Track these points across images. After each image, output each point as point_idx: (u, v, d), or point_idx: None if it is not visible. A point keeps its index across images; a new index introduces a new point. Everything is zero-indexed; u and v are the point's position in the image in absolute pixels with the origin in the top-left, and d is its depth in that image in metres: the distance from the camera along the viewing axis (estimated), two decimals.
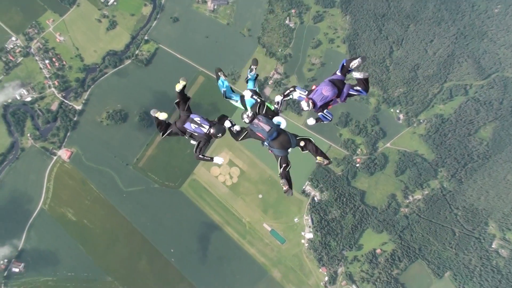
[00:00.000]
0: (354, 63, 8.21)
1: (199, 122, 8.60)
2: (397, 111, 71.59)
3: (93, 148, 70.88)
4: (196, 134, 8.66)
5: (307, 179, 69.26)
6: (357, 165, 69.38)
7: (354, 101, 71.63)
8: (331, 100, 8.33)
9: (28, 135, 70.54)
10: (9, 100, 71.28)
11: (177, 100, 9.18)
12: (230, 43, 73.09)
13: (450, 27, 72.72)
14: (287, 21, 75.08)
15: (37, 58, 72.90)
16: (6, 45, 72.47)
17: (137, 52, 72.94)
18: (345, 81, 8.43)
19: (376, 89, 71.83)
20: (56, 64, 72.54)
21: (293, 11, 75.29)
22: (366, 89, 8.25)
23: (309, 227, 68.22)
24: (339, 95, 8.36)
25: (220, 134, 8.50)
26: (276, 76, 72.76)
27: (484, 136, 69.28)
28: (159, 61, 73.16)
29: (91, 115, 71.91)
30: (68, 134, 70.87)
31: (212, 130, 8.48)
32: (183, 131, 8.90)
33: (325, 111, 8.53)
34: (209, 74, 72.13)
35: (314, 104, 8.27)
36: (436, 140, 69.30)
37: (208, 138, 8.75)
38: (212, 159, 9.13)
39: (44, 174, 69.72)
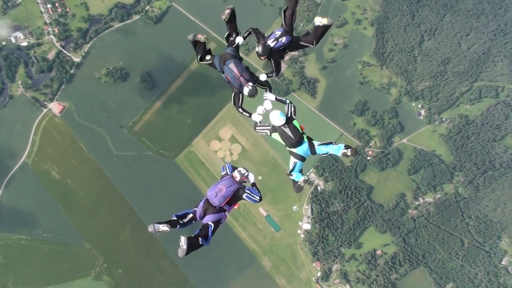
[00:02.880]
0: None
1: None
2: (419, 106, 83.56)
3: (87, 105, 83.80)
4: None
5: (313, 166, 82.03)
6: (368, 158, 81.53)
7: (374, 90, 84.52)
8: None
9: (19, 82, 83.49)
10: (3, 43, 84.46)
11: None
12: (248, 11, 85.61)
13: (490, 22, 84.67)
14: None
15: (39, 0, 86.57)
16: None
17: (147, 8, 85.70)
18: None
19: (399, 80, 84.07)
20: (59, 10, 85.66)
21: None
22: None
23: (308, 217, 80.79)
24: None
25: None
26: (294, 52, 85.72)
27: (510, 144, 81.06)
28: (170, 20, 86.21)
29: (89, 70, 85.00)
30: (63, 87, 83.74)
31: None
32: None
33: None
34: (221, 40, 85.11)
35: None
36: (457, 142, 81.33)
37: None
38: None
39: (31, 126, 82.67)
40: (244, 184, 10.08)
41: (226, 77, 10.47)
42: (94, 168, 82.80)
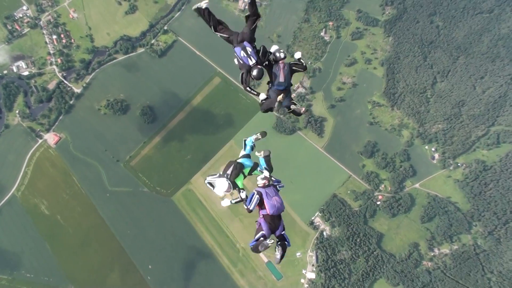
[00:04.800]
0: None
1: (249, 52, 11.21)
2: (433, 149, 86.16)
3: (84, 137, 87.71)
4: (241, 62, 11.41)
5: (318, 210, 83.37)
6: (378, 203, 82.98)
7: (384, 131, 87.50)
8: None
9: (17, 112, 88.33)
10: (4, 72, 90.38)
11: (248, 14, 11.65)
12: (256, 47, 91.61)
13: (506, 66, 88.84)
14: (322, 33, 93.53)
15: (44, 31, 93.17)
16: (15, 13, 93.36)
17: (153, 41, 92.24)
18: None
19: (411, 121, 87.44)
20: (64, 41, 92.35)
21: (330, 23, 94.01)
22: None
23: (312, 265, 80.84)
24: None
25: (259, 79, 11.12)
26: (301, 89, 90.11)
27: None
28: (174, 54, 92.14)
29: (89, 101, 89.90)
30: (60, 117, 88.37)
31: (254, 71, 11.12)
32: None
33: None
34: (226, 76, 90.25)
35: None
36: (475, 189, 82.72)
37: (248, 72, 11.35)
38: (258, 94, 11.88)
39: (24, 157, 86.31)
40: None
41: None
42: (85, 203, 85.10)
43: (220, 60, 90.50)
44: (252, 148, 13.00)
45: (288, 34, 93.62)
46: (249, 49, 11.32)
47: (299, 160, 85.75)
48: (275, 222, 11.20)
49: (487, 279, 79.21)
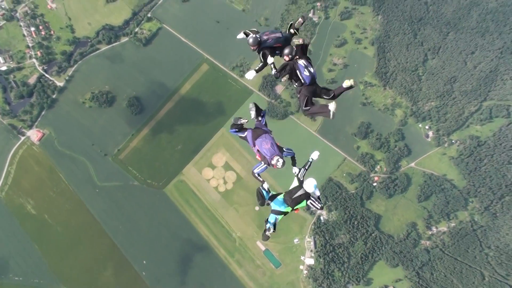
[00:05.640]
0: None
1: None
2: (426, 127, 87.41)
3: (69, 132, 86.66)
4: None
5: None
6: (374, 184, 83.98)
7: (377, 111, 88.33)
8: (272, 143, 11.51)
9: None
10: None
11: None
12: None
13: (495, 40, 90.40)
14: (310, 14, 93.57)
15: (22, 24, 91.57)
16: None
17: (136, 29, 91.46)
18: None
19: (404, 100, 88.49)
20: (43, 32, 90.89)
21: (318, 4, 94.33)
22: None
23: (311, 251, 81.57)
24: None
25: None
26: None
27: None
28: (160, 42, 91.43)
29: (73, 94, 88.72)
30: (43, 113, 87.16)
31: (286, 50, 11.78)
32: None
33: (284, 149, 11.94)
34: (214, 62, 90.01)
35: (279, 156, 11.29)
36: (470, 165, 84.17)
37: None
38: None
39: (6, 155, 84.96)
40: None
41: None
42: (74, 201, 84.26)
43: (207, 46, 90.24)
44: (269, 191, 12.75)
45: (275, 16, 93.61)
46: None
47: (292, 144, 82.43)
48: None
49: (484, 255, 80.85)
